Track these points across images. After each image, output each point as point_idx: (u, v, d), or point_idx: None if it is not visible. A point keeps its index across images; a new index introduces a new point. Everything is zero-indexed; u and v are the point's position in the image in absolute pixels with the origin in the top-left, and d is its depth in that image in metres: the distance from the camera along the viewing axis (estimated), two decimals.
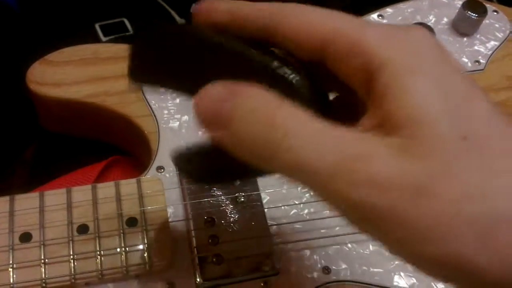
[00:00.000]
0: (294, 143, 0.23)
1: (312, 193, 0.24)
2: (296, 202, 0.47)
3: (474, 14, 0.58)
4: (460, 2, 0.60)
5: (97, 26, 1.06)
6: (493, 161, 0.22)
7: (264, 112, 0.24)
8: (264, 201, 0.46)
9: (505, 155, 0.22)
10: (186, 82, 0.30)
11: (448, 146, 0.22)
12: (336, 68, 0.25)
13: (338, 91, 0.30)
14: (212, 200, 0.45)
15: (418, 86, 0.23)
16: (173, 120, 0.50)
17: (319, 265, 0.44)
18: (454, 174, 0.22)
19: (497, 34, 0.61)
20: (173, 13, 1.14)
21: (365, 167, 0.22)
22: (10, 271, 0.40)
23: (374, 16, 0.60)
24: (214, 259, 0.43)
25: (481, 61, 0.58)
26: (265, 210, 0.46)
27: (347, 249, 0.45)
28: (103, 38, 1.02)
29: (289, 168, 0.23)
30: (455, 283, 0.23)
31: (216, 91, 0.25)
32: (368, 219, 0.22)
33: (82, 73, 0.51)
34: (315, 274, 0.44)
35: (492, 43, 0.60)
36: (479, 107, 0.24)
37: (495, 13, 0.62)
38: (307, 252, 0.44)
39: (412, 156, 0.22)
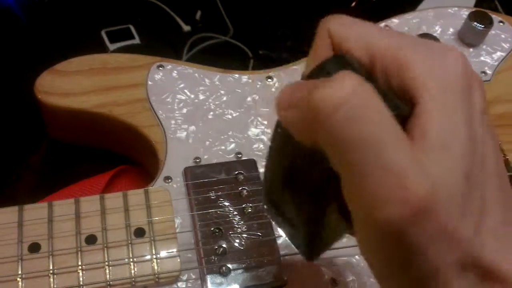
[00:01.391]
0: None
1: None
2: None
3: (480, 25, 0.58)
4: (466, 13, 0.60)
5: (103, 32, 1.06)
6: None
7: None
8: None
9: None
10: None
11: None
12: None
13: None
14: (219, 211, 0.46)
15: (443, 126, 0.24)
16: (181, 130, 0.50)
17: (326, 277, 0.44)
18: None
19: (503, 44, 0.61)
20: (178, 19, 1.14)
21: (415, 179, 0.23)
22: (19, 281, 0.40)
23: (380, 26, 0.61)
24: (221, 270, 0.43)
25: (488, 72, 0.59)
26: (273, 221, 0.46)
27: (354, 261, 0.45)
28: (109, 45, 1.02)
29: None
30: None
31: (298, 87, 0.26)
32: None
33: (90, 83, 0.51)
34: (323, 286, 0.44)
35: (499, 54, 0.60)
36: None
37: (501, 23, 0.62)
38: (315, 263, 0.44)
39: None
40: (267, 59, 1.09)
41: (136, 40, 1.08)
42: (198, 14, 1.16)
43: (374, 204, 0.23)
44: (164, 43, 1.11)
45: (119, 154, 0.55)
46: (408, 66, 0.26)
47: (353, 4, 1.18)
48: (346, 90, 0.23)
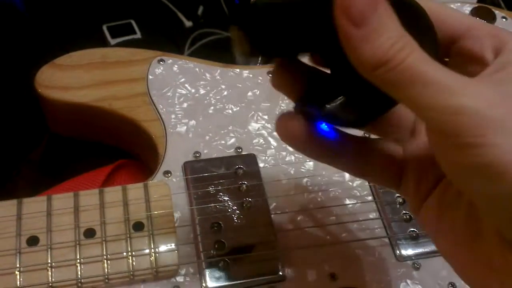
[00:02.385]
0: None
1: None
2: (303, 209, 0.47)
3: (483, 21, 0.58)
4: (469, 8, 0.60)
5: (104, 27, 1.06)
6: None
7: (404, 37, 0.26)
8: (271, 207, 0.46)
9: None
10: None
11: None
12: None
13: None
14: (218, 205, 0.45)
15: None
16: (181, 124, 0.50)
17: (325, 272, 0.44)
18: None
19: None
20: (180, 14, 1.14)
21: (466, 94, 0.24)
22: (17, 274, 0.40)
23: None
24: (220, 264, 0.43)
25: None
26: (272, 216, 0.46)
27: (354, 255, 0.45)
28: (111, 40, 1.02)
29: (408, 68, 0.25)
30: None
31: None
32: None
33: (90, 77, 0.51)
34: (322, 280, 0.43)
35: None
36: None
37: (504, 19, 0.62)
38: (314, 258, 0.44)
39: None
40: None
41: (138, 35, 1.07)
42: (200, 10, 1.16)
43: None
44: (166, 39, 1.11)
45: (119, 148, 0.55)
46: None
47: None
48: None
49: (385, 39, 0.25)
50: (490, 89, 0.25)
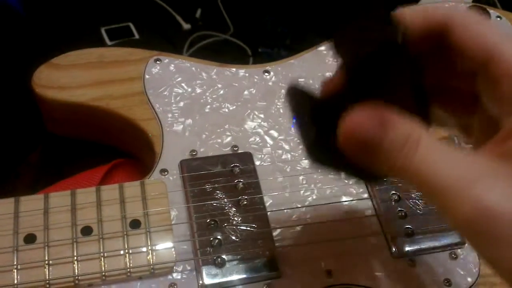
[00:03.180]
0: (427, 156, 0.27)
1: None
2: (299, 206, 0.47)
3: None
4: (464, 8, 0.60)
5: (102, 30, 1.07)
6: None
7: (410, 142, 0.28)
8: (267, 205, 0.46)
9: None
10: None
11: None
12: (487, 81, 0.29)
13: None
14: (215, 203, 0.46)
15: None
16: (177, 123, 0.50)
17: (321, 268, 0.44)
18: None
19: None
20: (178, 17, 1.14)
21: (479, 191, 0.25)
22: (14, 271, 0.40)
23: None
24: (217, 262, 0.43)
25: None
26: (268, 213, 0.46)
27: (349, 252, 0.45)
28: (109, 42, 1.02)
29: (415, 175, 0.27)
30: None
31: (364, 121, 0.28)
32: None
33: (87, 77, 0.51)
34: (317, 278, 0.44)
35: None
36: None
37: (499, 19, 0.62)
38: (310, 255, 0.44)
39: None
40: (266, 57, 1.10)
41: (136, 38, 1.08)
42: (198, 12, 1.17)
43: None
44: (164, 41, 1.11)
45: (116, 148, 0.55)
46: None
47: None
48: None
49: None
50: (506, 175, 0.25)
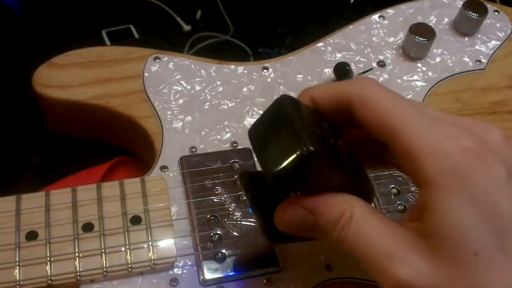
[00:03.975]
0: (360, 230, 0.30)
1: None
2: None
3: (474, 14, 0.59)
4: (461, 3, 0.60)
5: (103, 32, 1.07)
6: None
7: (344, 219, 0.30)
8: None
9: None
10: None
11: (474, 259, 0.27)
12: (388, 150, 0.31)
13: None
14: (215, 199, 0.46)
15: (455, 206, 0.27)
16: (177, 120, 0.50)
17: (321, 263, 0.44)
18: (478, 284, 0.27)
19: (498, 33, 0.61)
20: (178, 19, 1.15)
21: (395, 268, 0.28)
22: (16, 268, 0.40)
23: (375, 17, 0.61)
24: (217, 256, 0.43)
25: (483, 60, 0.59)
26: None
27: None
28: (110, 44, 1.03)
29: (349, 247, 0.30)
30: None
31: (296, 215, 0.32)
32: None
33: (87, 76, 0.52)
34: (317, 272, 0.44)
35: (493, 43, 0.60)
36: None
37: (496, 13, 0.62)
38: (309, 249, 0.45)
39: (440, 264, 0.27)
40: (266, 57, 1.10)
41: (137, 40, 1.08)
42: (198, 14, 1.17)
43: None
44: (165, 43, 1.12)
45: (116, 145, 0.55)
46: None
47: (352, 1, 1.18)
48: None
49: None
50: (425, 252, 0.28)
